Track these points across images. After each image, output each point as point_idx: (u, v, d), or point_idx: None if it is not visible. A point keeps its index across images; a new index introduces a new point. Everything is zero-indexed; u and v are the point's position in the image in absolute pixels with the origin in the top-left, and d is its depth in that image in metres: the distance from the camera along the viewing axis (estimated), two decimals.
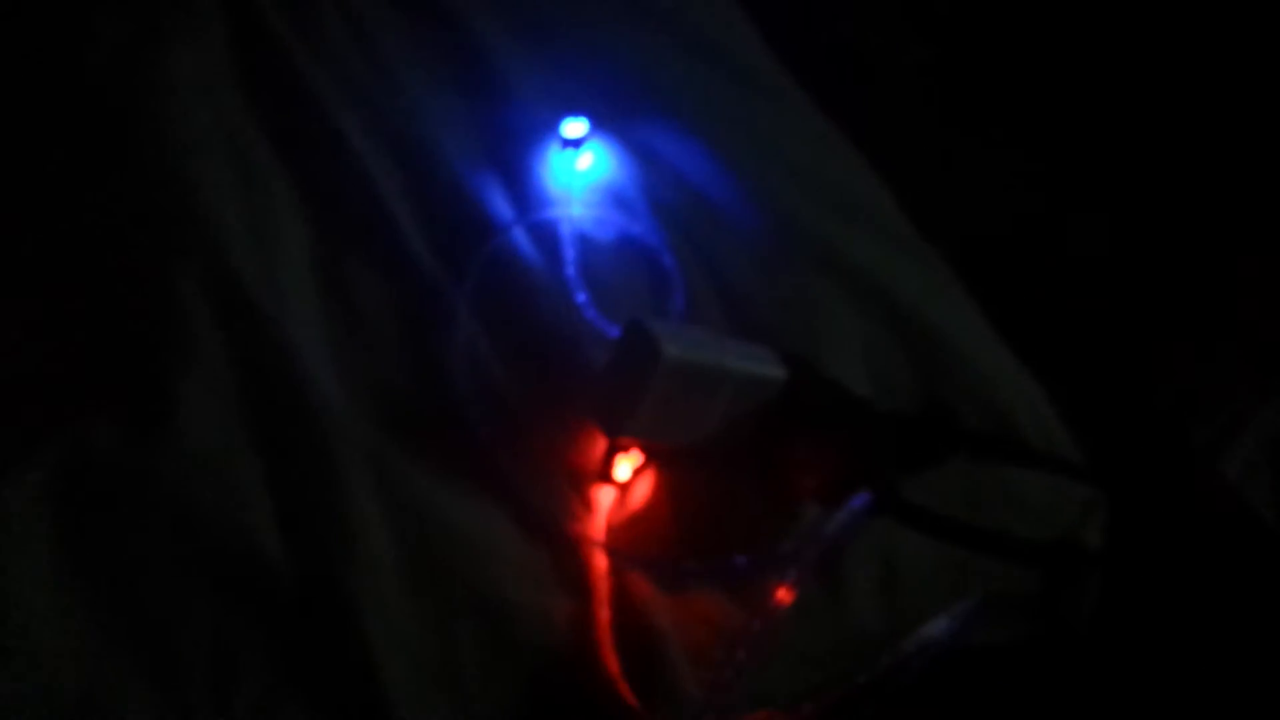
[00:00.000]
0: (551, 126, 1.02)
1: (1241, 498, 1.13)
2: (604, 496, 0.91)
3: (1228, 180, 1.20)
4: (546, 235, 0.99)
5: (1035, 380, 1.04)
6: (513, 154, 1.02)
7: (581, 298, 0.95)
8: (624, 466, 0.90)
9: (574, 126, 1.01)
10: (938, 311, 1.03)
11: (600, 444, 0.90)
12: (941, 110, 1.28)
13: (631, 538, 0.90)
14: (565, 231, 0.98)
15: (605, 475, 0.90)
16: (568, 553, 0.89)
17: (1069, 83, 1.27)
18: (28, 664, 0.79)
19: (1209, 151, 1.21)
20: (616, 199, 1.02)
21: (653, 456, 0.91)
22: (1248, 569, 0.96)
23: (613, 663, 0.85)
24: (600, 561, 0.88)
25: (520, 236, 0.98)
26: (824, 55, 1.19)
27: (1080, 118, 1.25)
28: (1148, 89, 1.25)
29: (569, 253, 0.97)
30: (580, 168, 1.02)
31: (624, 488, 0.91)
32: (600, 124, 1.03)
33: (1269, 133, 1.21)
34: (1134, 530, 0.97)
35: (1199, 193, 1.20)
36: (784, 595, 0.83)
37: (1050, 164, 1.22)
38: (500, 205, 0.99)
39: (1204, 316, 1.17)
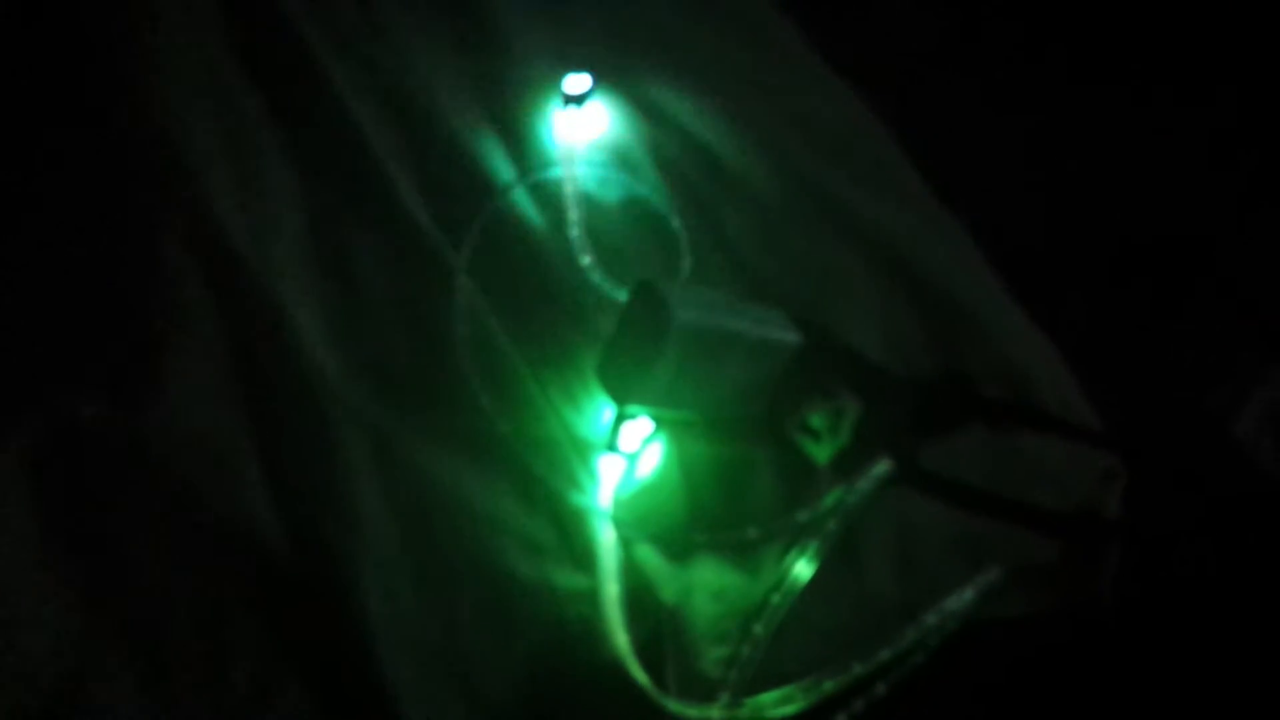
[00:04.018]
0: (553, 82, 0.97)
1: (1256, 461, 1.11)
2: (611, 467, 0.87)
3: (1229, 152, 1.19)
4: (549, 196, 0.95)
5: (1053, 346, 1.01)
6: (512, 111, 0.98)
7: (587, 260, 0.92)
8: (632, 435, 0.87)
9: (576, 82, 0.96)
10: (953, 276, 0.99)
11: (607, 412, 0.87)
12: (950, 74, 1.25)
13: (640, 509, 0.87)
14: (569, 191, 0.94)
15: (612, 445, 0.86)
16: (573, 525, 0.86)
17: (1082, 46, 1.24)
18: (5, 646, 0.76)
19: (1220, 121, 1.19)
20: (621, 158, 0.98)
21: (661, 425, 0.88)
22: (1267, 535, 0.94)
23: (622, 639, 0.83)
24: (607, 534, 0.86)
25: (522, 197, 0.94)
26: (828, 23, 1.15)
27: (1091, 83, 1.22)
28: (1159, 47, 1.22)
29: (573, 213, 0.93)
30: (583, 125, 0.97)
31: (632, 458, 0.88)
32: (603, 80, 0.98)
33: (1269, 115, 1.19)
34: (1154, 498, 0.95)
35: (1206, 158, 1.19)
36: (803, 568, 0.80)
37: (1065, 129, 1.20)
38: (500, 164, 0.96)
39: (1208, 283, 1.15)
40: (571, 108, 0.97)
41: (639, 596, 0.84)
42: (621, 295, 0.91)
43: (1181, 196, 1.15)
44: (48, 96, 0.95)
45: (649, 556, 0.85)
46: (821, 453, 0.88)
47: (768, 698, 0.81)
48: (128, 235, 0.90)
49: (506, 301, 0.91)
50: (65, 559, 0.79)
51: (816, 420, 0.88)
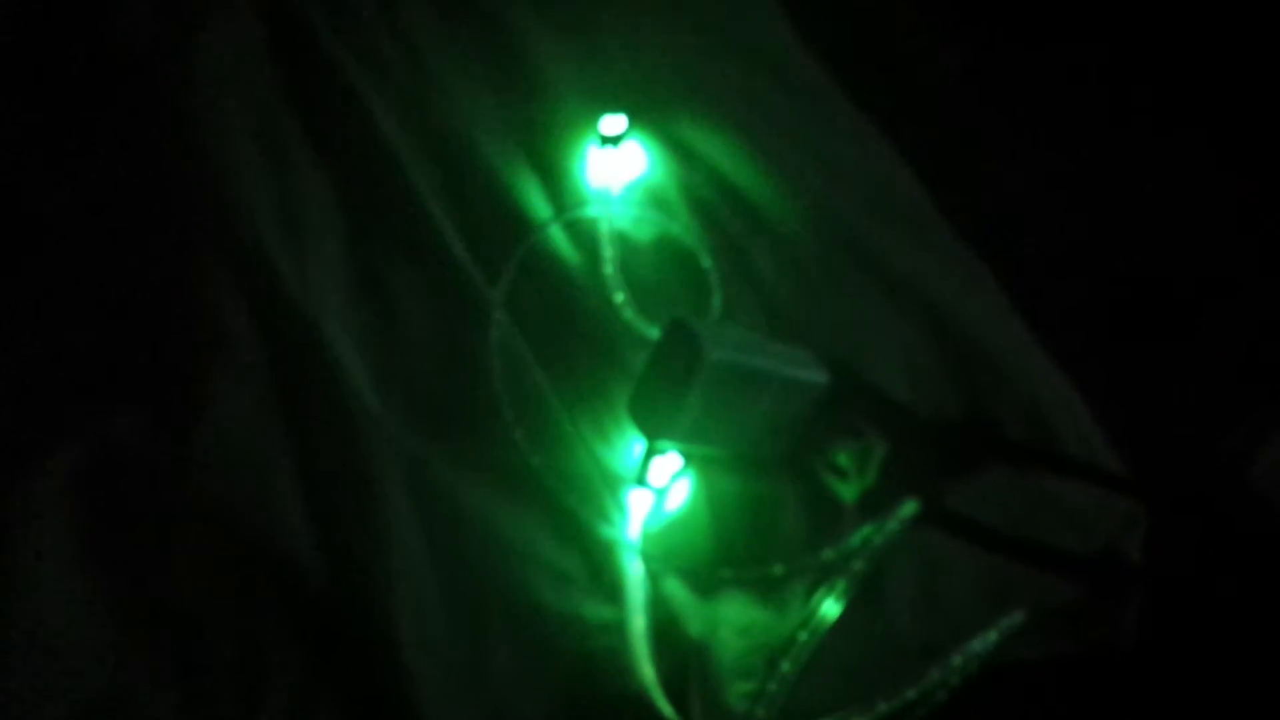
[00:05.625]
0: (589, 123, 0.99)
1: (1273, 505, 1.11)
2: (640, 501, 0.88)
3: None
4: (584, 233, 0.97)
5: (1075, 390, 1.01)
6: (549, 150, 1.00)
7: (620, 297, 0.94)
8: (661, 470, 0.88)
9: (612, 122, 0.98)
10: (978, 318, 1.00)
11: (638, 447, 0.88)
12: (976, 115, 1.27)
13: (668, 544, 0.88)
14: (603, 230, 0.96)
15: (642, 479, 0.88)
16: (603, 558, 0.87)
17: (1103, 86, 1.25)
18: (48, 661, 0.77)
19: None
20: (655, 197, 1.00)
21: (691, 460, 0.89)
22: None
23: (648, 672, 0.83)
24: (636, 568, 0.87)
25: (557, 234, 0.96)
26: (857, 59, 1.17)
27: (1113, 124, 1.23)
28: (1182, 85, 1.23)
29: (607, 251, 0.95)
30: (618, 165, 0.99)
31: (661, 492, 0.89)
32: (639, 121, 1.01)
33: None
34: (1175, 543, 0.95)
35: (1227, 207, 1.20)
36: (830, 606, 0.81)
37: (1088, 173, 1.21)
38: (537, 202, 0.98)
39: (1226, 329, 1.15)
40: (607, 148, 0.99)
41: (666, 630, 0.85)
42: (653, 332, 0.92)
43: (1199, 242, 1.16)
44: (93, 130, 0.97)
45: (676, 590, 0.86)
46: (848, 491, 0.89)
47: None
48: (171, 262, 0.92)
49: (541, 336, 0.93)
50: (105, 578, 0.80)
51: (843, 459, 0.90)
